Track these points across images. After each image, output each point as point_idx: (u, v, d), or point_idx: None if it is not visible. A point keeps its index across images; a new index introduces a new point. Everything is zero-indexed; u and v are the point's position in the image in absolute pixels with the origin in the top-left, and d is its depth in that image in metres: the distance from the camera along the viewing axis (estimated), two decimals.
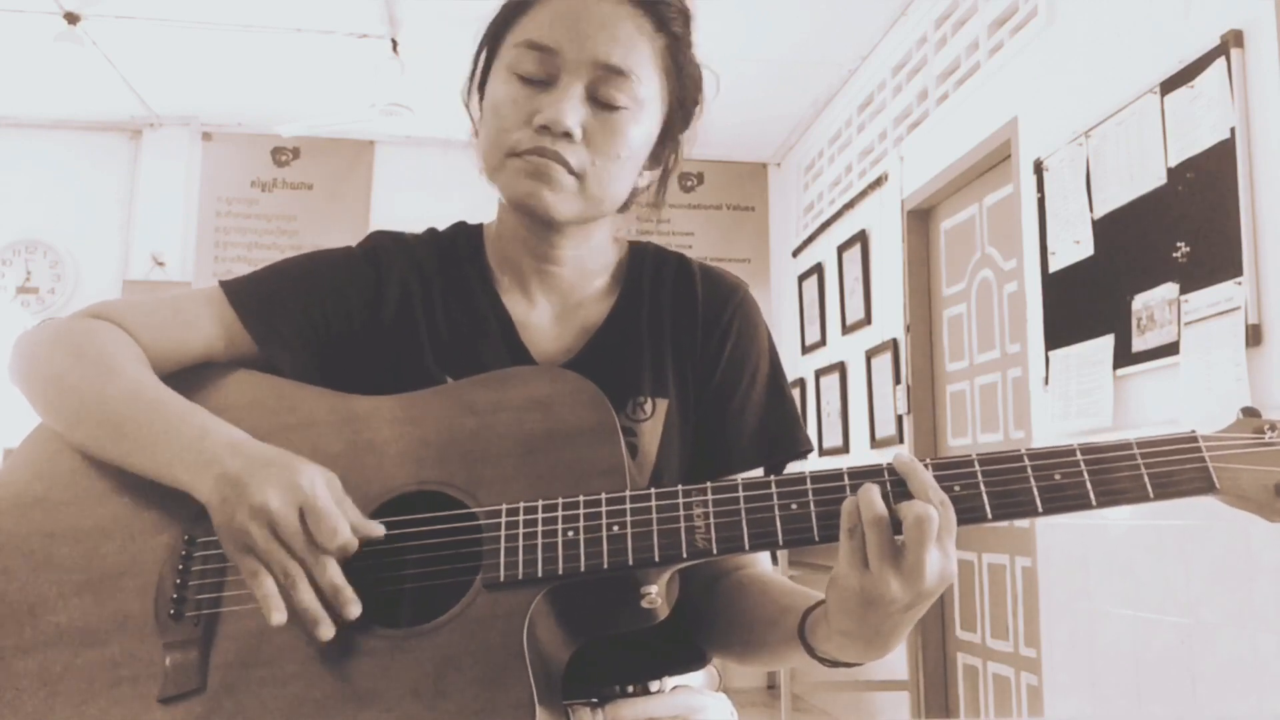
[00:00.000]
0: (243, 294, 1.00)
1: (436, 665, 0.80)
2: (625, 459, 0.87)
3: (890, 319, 4.16)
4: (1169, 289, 2.46)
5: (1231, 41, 2.30)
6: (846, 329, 4.60)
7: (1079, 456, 0.81)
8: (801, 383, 5.14)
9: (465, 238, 1.08)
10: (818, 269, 4.96)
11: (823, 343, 4.90)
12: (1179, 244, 2.43)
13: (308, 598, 0.81)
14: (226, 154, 5.34)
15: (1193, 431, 0.82)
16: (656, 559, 0.81)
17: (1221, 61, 2.31)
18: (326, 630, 0.81)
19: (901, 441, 4.01)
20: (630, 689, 1.00)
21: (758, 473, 1.02)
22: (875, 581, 0.77)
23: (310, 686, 0.81)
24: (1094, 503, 0.80)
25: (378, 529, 0.84)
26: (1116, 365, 2.64)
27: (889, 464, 0.82)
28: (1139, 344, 2.56)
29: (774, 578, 1.01)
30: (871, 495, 0.78)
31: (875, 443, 4.24)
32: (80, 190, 5.23)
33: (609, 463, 0.86)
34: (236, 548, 0.82)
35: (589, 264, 1.05)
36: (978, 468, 0.81)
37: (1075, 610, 2.85)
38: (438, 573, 0.85)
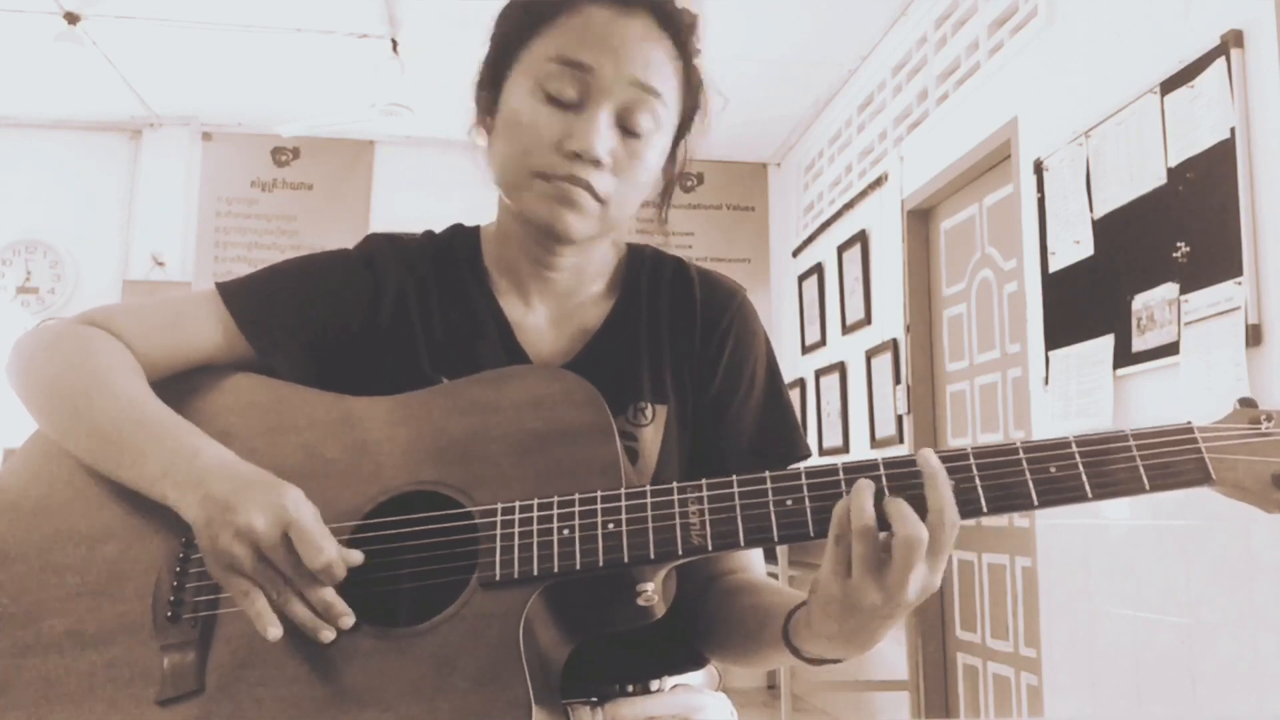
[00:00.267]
0: (239, 297, 1.00)
1: (434, 664, 0.80)
2: (621, 457, 0.87)
3: (890, 319, 4.16)
4: (1169, 289, 2.46)
5: (1231, 41, 2.29)
6: (846, 329, 4.60)
7: (1074, 449, 0.81)
8: (801, 383, 5.14)
9: (462, 240, 1.08)
10: (818, 269, 4.96)
11: (823, 343, 4.90)
12: (1179, 244, 2.43)
13: (301, 611, 0.81)
14: (226, 154, 5.34)
15: (1188, 423, 0.81)
16: (652, 556, 0.81)
17: (1221, 61, 2.31)
18: (327, 635, 0.81)
19: (901, 441, 4.01)
20: (630, 688, 1.00)
21: None
22: (856, 590, 0.77)
23: (308, 687, 0.81)
24: (1090, 495, 0.79)
25: (355, 556, 0.83)
26: (1116, 365, 2.63)
27: (884, 459, 0.81)
28: (1139, 344, 2.56)
29: (764, 581, 1.02)
30: (862, 502, 0.77)
31: (875, 443, 4.24)
32: (80, 190, 5.23)
33: (605, 461, 0.86)
34: (222, 569, 0.82)
35: (588, 268, 1.05)
36: (973, 461, 0.81)
37: (1075, 610, 2.85)
38: (434, 572, 0.85)
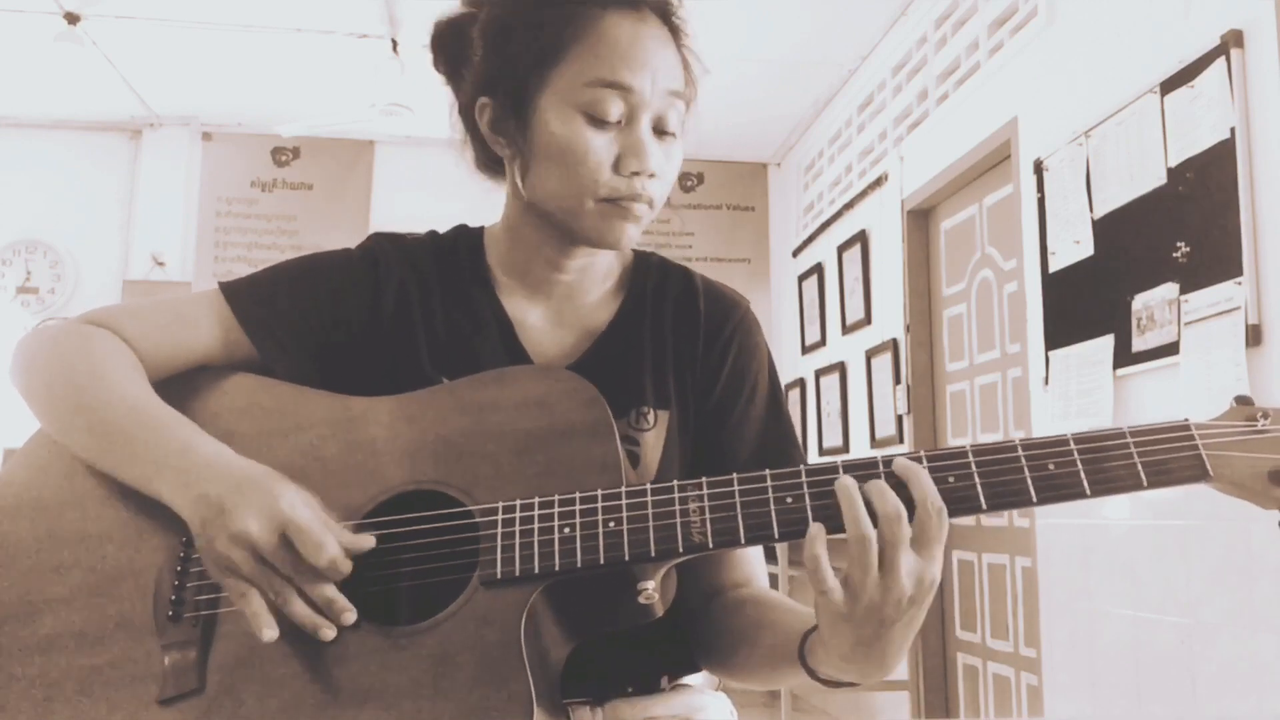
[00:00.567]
0: (241, 296, 1.00)
1: (435, 663, 0.80)
2: (621, 456, 0.87)
3: (890, 319, 4.16)
4: (1169, 289, 2.46)
5: (1231, 41, 2.30)
6: (846, 329, 4.60)
7: (1072, 446, 0.81)
8: (801, 383, 5.14)
9: (466, 241, 1.08)
10: (818, 269, 4.96)
11: (823, 343, 4.90)
12: (1179, 244, 2.43)
13: (301, 610, 0.81)
14: (226, 154, 5.34)
15: (1186, 420, 0.82)
16: (653, 554, 0.82)
17: (1221, 61, 2.31)
18: (328, 633, 0.81)
19: (901, 441, 4.01)
20: (630, 688, 1.00)
21: None
22: (855, 593, 0.77)
23: (309, 686, 0.81)
24: (1088, 492, 0.80)
25: (367, 541, 0.84)
26: (1116, 365, 2.64)
27: (884, 458, 0.81)
28: (1139, 344, 2.56)
29: (772, 596, 1.01)
30: (856, 512, 0.78)
31: (875, 443, 4.24)
32: (80, 190, 5.23)
33: (605, 460, 0.86)
34: (219, 570, 0.82)
35: (597, 270, 1.05)
36: (971, 458, 0.81)
37: (1075, 610, 2.85)
38: (435, 571, 0.85)
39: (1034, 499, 0.80)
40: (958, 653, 3.80)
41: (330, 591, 0.81)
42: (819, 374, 4.92)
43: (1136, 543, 2.59)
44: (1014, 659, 3.38)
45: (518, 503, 0.85)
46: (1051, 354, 2.95)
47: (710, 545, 0.82)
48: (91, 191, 5.24)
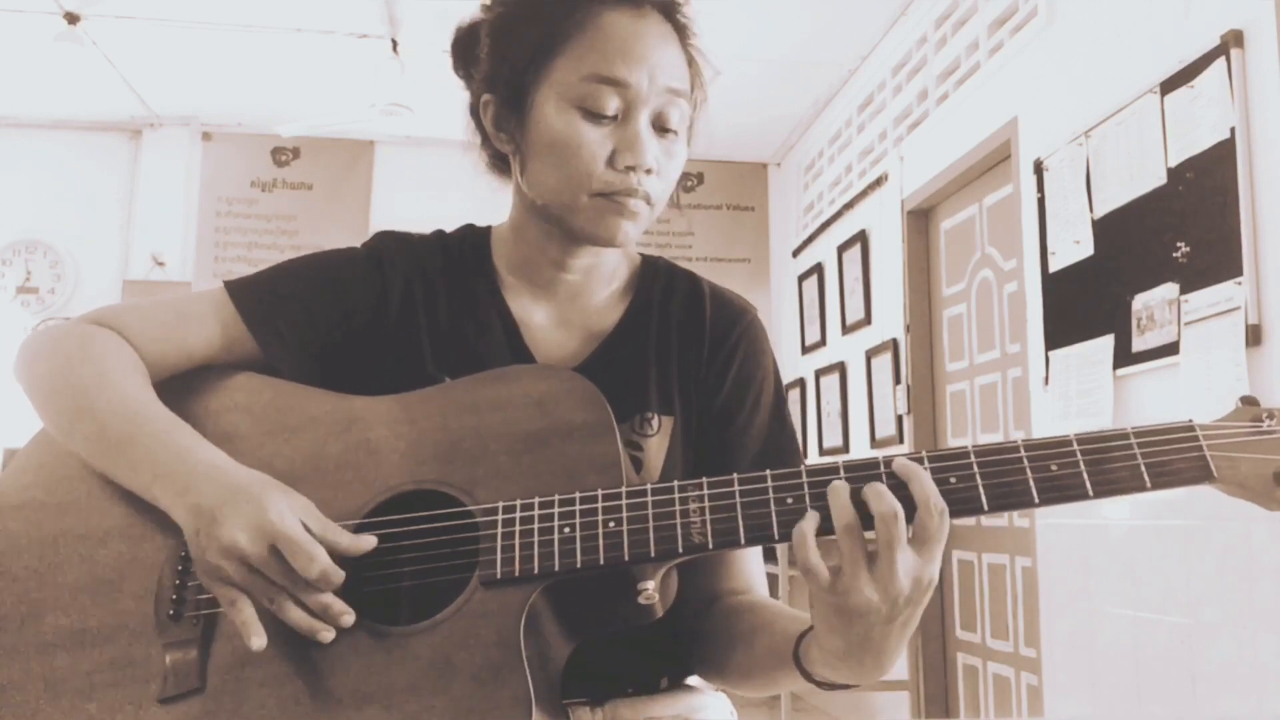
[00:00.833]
0: (245, 295, 1.00)
1: (434, 662, 0.80)
2: (622, 455, 0.87)
3: (890, 319, 4.16)
4: (1169, 289, 2.46)
5: (1231, 41, 2.30)
6: (846, 329, 4.60)
7: (1075, 447, 0.80)
8: (801, 383, 5.14)
9: (472, 240, 1.08)
10: (818, 269, 4.96)
11: (823, 343, 4.90)
12: (1179, 244, 2.43)
13: (298, 616, 0.81)
14: (226, 154, 5.34)
15: (1190, 420, 0.81)
16: (653, 554, 0.81)
17: (1221, 61, 2.31)
18: (326, 636, 0.82)
19: (901, 441, 4.01)
20: (629, 689, 1.00)
21: None
22: (849, 588, 0.77)
23: (308, 685, 0.81)
24: (1091, 493, 0.79)
25: (368, 542, 0.84)
26: (1116, 365, 2.63)
27: (885, 458, 0.81)
28: (1139, 344, 2.56)
29: (770, 603, 1.01)
30: (842, 501, 0.78)
31: (875, 443, 4.24)
32: (80, 190, 5.23)
33: (605, 459, 0.86)
34: (211, 579, 0.83)
35: (602, 270, 1.05)
36: (973, 459, 0.80)
37: (1075, 610, 2.85)
38: (435, 570, 0.85)
39: (1036, 500, 0.79)
40: (958, 653, 3.80)
41: (326, 598, 0.81)
42: (819, 374, 4.92)
43: (1136, 543, 2.59)
44: (1014, 659, 3.38)
45: (518, 503, 0.85)
46: (1051, 354, 2.95)
47: (710, 545, 0.81)
48: (91, 191, 5.24)
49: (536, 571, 0.82)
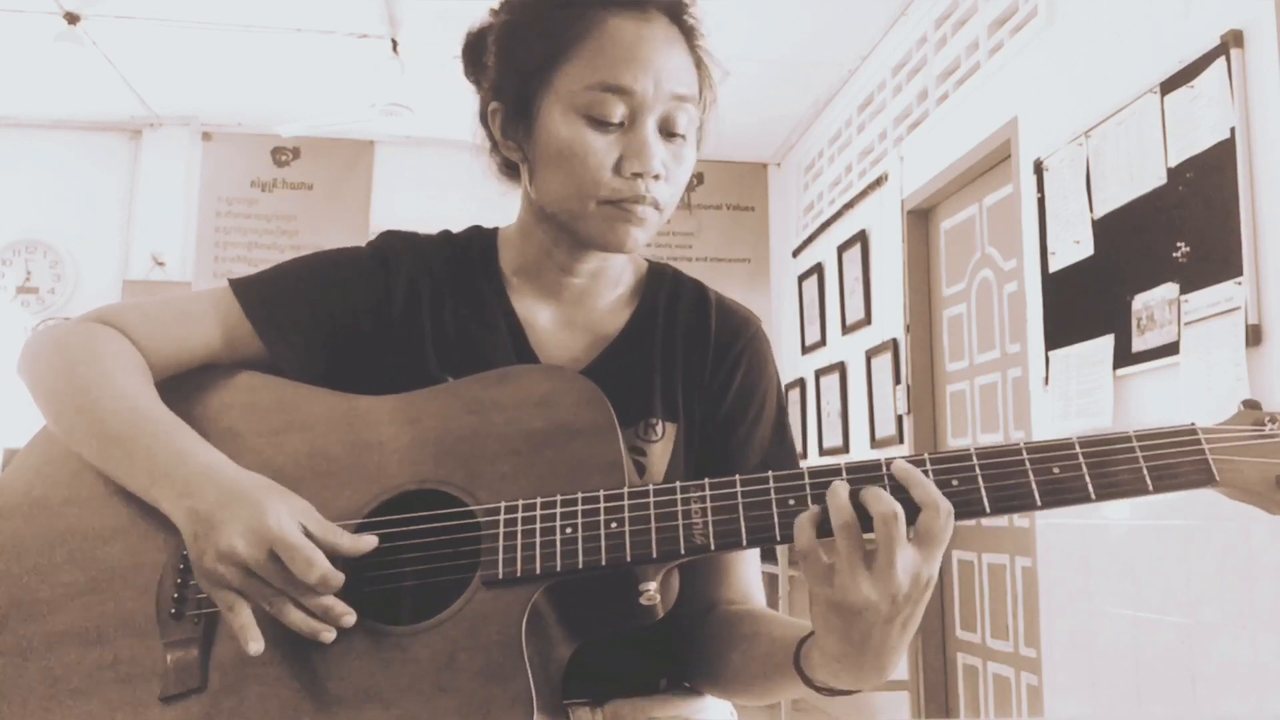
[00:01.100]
0: (250, 293, 1.00)
1: (436, 662, 0.80)
2: (624, 455, 0.87)
3: (890, 319, 4.16)
4: (1169, 289, 2.46)
5: (1231, 41, 2.30)
6: (846, 329, 4.61)
7: (1077, 450, 0.80)
8: (801, 383, 5.14)
9: (479, 241, 1.08)
10: (818, 269, 4.96)
11: (823, 343, 4.90)
12: (1179, 244, 2.43)
13: (298, 618, 0.81)
14: (226, 154, 5.34)
15: (1192, 424, 0.81)
16: (655, 555, 0.81)
17: (1221, 61, 2.32)
18: (327, 636, 0.82)
19: (901, 441, 4.01)
20: (630, 689, 0.99)
21: None
22: (847, 587, 0.77)
23: (310, 685, 0.81)
24: (1093, 496, 0.79)
25: (369, 542, 0.84)
26: (1116, 365, 2.64)
27: (887, 459, 0.81)
28: (1139, 344, 2.56)
29: (768, 612, 1.00)
30: (840, 501, 0.77)
31: (875, 443, 4.24)
32: (80, 190, 5.23)
33: (607, 460, 0.86)
34: (210, 584, 0.83)
35: (608, 273, 1.05)
36: (975, 461, 0.80)
37: (1075, 610, 2.85)
38: (437, 570, 0.85)
39: (1039, 503, 0.79)
40: (958, 653, 3.80)
41: (326, 600, 0.81)
42: (819, 374, 4.92)
43: (1136, 543, 2.59)
44: (1014, 659, 3.38)
45: (520, 503, 0.85)
46: (1051, 354, 2.95)
47: (712, 547, 0.81)
48: (91, 191, 5.24)
49: (538, 572, 0.82)
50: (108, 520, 0.90)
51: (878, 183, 4.29)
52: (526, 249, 1.04)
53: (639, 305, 1.06)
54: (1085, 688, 2.80)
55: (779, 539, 0.81)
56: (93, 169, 5.26)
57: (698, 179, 5.57)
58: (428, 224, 1.13)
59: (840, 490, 0.78)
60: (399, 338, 1.00)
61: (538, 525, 0.83)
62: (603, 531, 0.82)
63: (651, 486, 0.84)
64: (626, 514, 0.82)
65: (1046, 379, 2.97)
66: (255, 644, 0.80)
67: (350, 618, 0.81)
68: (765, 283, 5.60)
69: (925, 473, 0.80)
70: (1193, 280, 2.38)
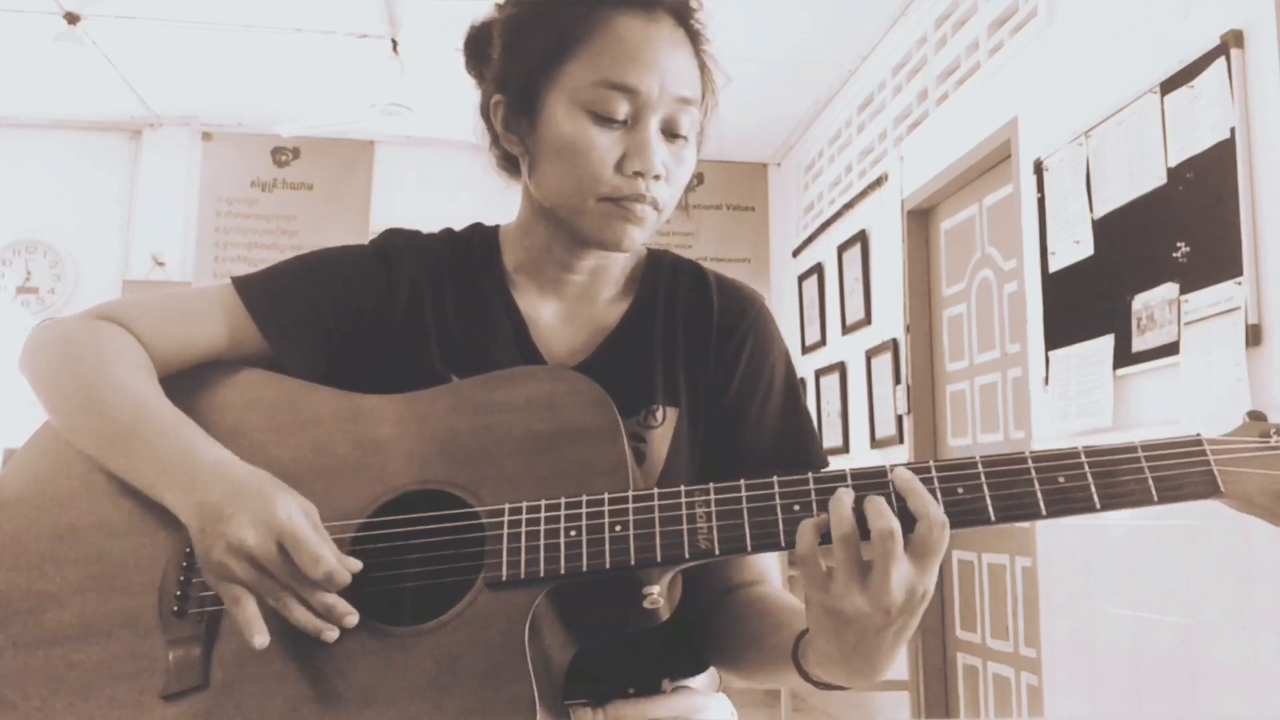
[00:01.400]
0: (254, 290, 1.00)
1: (438, 664, 0.80)
2: (629, 459, 0.87)
3: (890, 319, 4.16)
4: (1169, 289, 2.46)
5: (1231, 41, 2.30)
6: (846, 329, 4.61)
7: (1083, 459, 0.80)
8: (801, 383, 5.14)
9: (480, 239, 1.08)
10: (818, 269, 4.96)
11: (823, 343, 4.90)
12: (1179, 244, 2.44)
13: (302, 615, 0.81)
14: (226, 154, 5.34)
15: (1198, 435, 0.81)
16: (659, 559, 0.81)
17: (1221, 61, 2.32)
18: (330, 635, 0.82)
19: (901, 441, 4.01)
20: (631, 690, 0.99)
21: None
22: (840, 596, 0.77)
23: (312, 684, 0.81)
24: (1098, 506, 0.79)
25: (353, 565, 0.83)
26: (1116, 365, 2.64)
27: (891, 466, 0.81)
28: (1139, 344, 2.56)
29: (780, 596, 1.00)
30: (842, 510, 0.77)
31: (875, 443, 4.24)
32: (80, 190, 5.23)
33: (612, 462, 0.86)
34: (217, 577, 0.82)
35: (611, 269, 1.05)
36: (981, 470, 0.80)
37: (1075, 610, 2.85)
38: (440, 571, 0.85)
39: (1044, 512, 0.79)
40: (958, 653, 3.80)
41: (330, 598, 0.81)
42: (819, 374, 4.92)
43: (1136, 543, 2.59)
44: (1014, 659, 3.39)
45: (524, 505, 0.84)
46: (1051, 354, 2.95)
47: (717, 551, 0.81)
48: (91, 191, 5.24)
49: (542, 574, 0.82)
50: (110, 516, 0.90)
51: (878, 183, 4.29)
52: (527, 246, 1.04)
53: (638, 293, 1.06)
54: (1085, 688, 2.80)
55: (783, 545, 0.80)
56: (93, 169, 5.25)
57: (698, 179, 5.57)
58: (428, 224, 1.13)
59: (844, 499, 0.78)
60: (402, 335, 1.00)
61: (542, 527, 0.83)
62: (607, 535, 0.82)
63: (656, 490, 0.84)
64: (631, 517, 0.82)
65: (1046, 379, 2.97)
66: (261, 637, 0.80)
67: (353, 618, 0.81)
68: (765, 283, 5.60)
69: (930, 481, 0.80)
70: (1193, 280, 2.39)
